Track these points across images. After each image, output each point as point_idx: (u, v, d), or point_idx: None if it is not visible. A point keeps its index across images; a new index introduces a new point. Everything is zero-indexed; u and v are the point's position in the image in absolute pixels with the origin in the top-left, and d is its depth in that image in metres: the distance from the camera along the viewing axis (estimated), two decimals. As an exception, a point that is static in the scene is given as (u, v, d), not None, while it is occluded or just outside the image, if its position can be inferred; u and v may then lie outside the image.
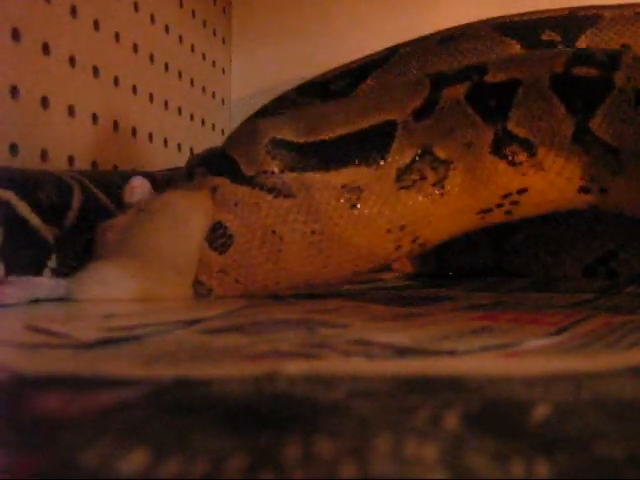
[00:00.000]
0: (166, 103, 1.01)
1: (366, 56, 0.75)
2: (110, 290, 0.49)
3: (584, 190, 0.53)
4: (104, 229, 0.53)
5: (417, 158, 0.53)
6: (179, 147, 1.05)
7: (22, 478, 0.16)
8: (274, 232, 0.53)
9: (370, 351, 0.30)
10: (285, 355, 0.29)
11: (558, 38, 0.68)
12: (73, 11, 0.77)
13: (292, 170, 0.53)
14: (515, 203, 0.55)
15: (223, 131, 1.20)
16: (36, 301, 0.51)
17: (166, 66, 1.01)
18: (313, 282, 0.57)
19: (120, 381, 0.24)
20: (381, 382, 0.24)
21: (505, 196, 0.55)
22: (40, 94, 0.71)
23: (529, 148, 0.53)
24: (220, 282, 0.54)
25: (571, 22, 0.69)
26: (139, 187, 0.55)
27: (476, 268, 0.74)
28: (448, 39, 0.72)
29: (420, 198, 0.53)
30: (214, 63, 1.18)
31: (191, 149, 1.09)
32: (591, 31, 0.68)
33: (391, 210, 0.53)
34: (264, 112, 0.79)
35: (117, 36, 0.86)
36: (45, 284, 0.50)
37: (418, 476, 0.16)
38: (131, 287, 0.49)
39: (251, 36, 1.22)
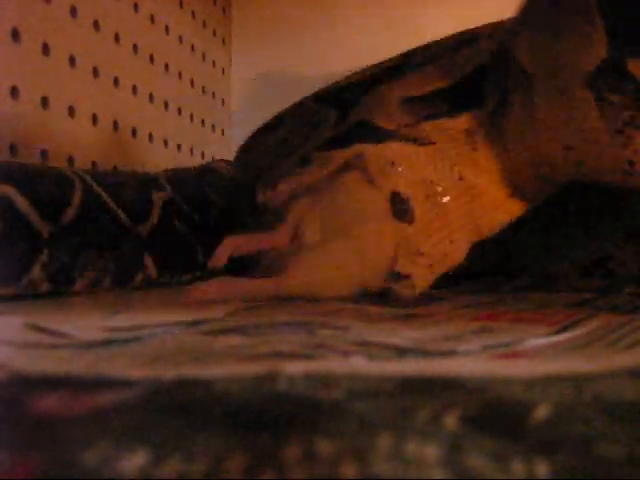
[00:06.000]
0: (166, 103, 1.01)
1: (380, 63, 0.75)
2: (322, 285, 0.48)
3: None
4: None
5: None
6: (179, 147, 1.05)
7: (22, 478, 0.16)
8: (432, 182, 0.53)
9: (370, 352, 0.30)
10: (285, 356, 0.29)
11: None
12: (73, 11, 0.77)
13: (427, 118, 0.55)
14: None
15: (223, 131, 1.20)
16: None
17: (166, 66, 1.01)
18: (472, 238, 0.55)
19: (120, 381, 0.24)
20: (381, 382, 0.24)
21: None
22: (40, 94, 0.71)
23: None
24: (420, 270, 0.51)
25: None
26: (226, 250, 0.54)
27: (476, 268, 0.74)
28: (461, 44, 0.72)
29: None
30: (214, 63, 1.18)
31: (191, 149, 1.09)
32: None
33: (497, 156, 0.54)
34: (280, 120, 0.78)
35: (117, 36, 0.86)
36: (253, 284, 0.49)
37: (418, 476, 0.16)
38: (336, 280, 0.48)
39: (251, 36, 1.23)
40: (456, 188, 0.54)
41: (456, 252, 0.54)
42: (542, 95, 0.49)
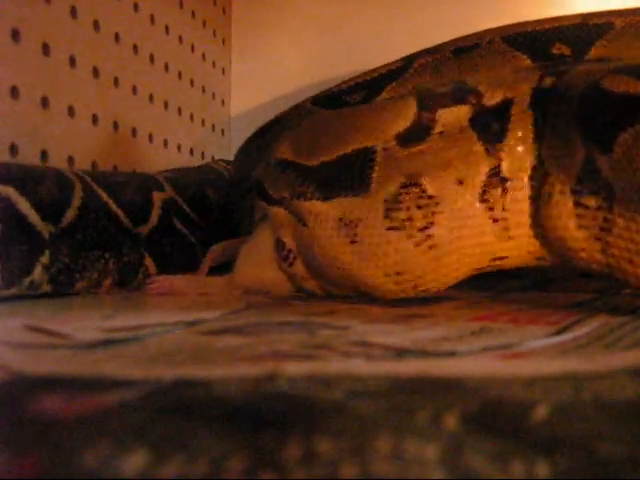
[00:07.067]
0: (166, 103, 1.01)
1: (381, 67, 0.75)
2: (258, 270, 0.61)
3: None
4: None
5: (402, 190, 0.48)
6: (179, 147, 1.05)
7: (22, 478, 0.16)
8: (314, 254, 0.53)
9: (370, 352, 0.30)
10: (285, 356, 0.29)
11: (568, 52, 0.67)
12: (73, 11, 0.77)
13: (299, 197, 0.52)
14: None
15: (223, 131, 1.20)
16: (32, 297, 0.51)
17: (166, 66, 1.01)
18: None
19: (120, 381, 0.24)
20: (381, 383, 0.24)
21: (493, 259, 0.49)
22: (40, 94, 0.71)
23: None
24: (313, 285, 0.56)
25: (582, 33, 0.68)
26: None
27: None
28: (461, 51, 0.71)
29: (410, 245, 0.48)
30: (214, 63, 1.18)
31: (191, 149, 1.09)
32: (600, 42, 0.66)
33: (384, 254, 0.49)
34: (279, 122, 0.79)
35: (117, 36, 0.86)
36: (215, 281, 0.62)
37: (418, 476, 0.16)
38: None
39: (251, 36, 1.23)
40: (335, 264, 0.51)
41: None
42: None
